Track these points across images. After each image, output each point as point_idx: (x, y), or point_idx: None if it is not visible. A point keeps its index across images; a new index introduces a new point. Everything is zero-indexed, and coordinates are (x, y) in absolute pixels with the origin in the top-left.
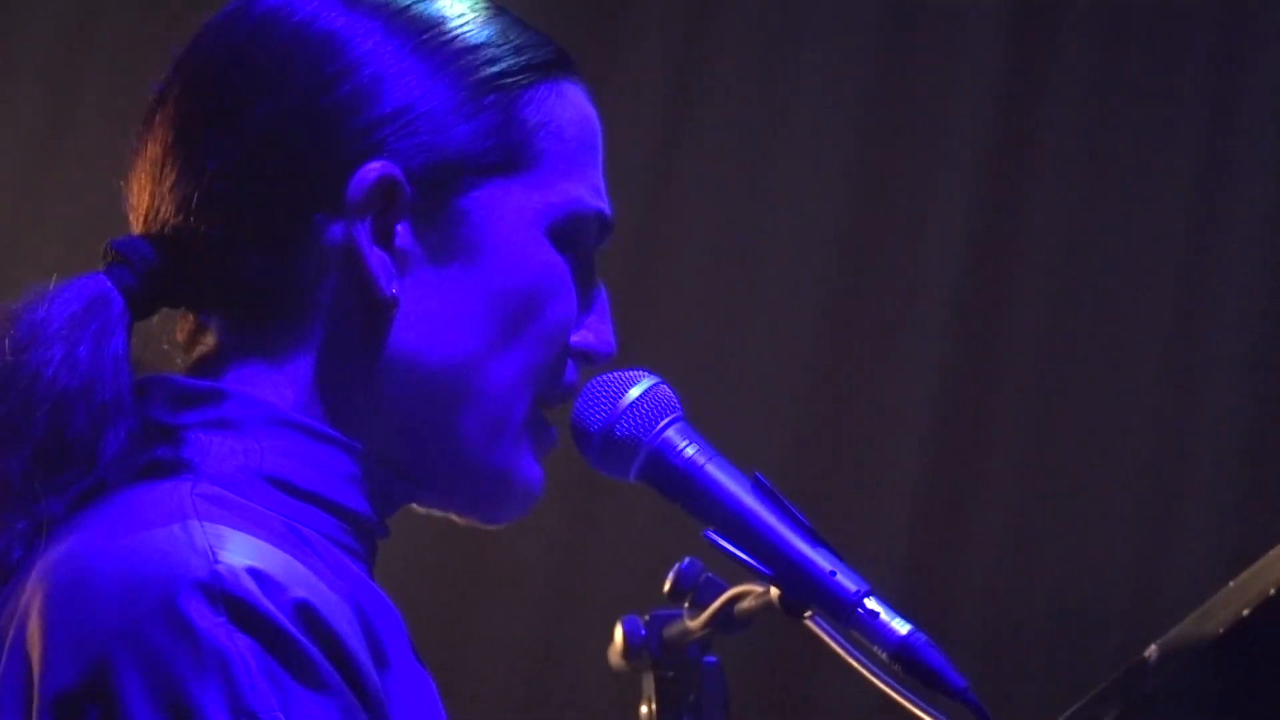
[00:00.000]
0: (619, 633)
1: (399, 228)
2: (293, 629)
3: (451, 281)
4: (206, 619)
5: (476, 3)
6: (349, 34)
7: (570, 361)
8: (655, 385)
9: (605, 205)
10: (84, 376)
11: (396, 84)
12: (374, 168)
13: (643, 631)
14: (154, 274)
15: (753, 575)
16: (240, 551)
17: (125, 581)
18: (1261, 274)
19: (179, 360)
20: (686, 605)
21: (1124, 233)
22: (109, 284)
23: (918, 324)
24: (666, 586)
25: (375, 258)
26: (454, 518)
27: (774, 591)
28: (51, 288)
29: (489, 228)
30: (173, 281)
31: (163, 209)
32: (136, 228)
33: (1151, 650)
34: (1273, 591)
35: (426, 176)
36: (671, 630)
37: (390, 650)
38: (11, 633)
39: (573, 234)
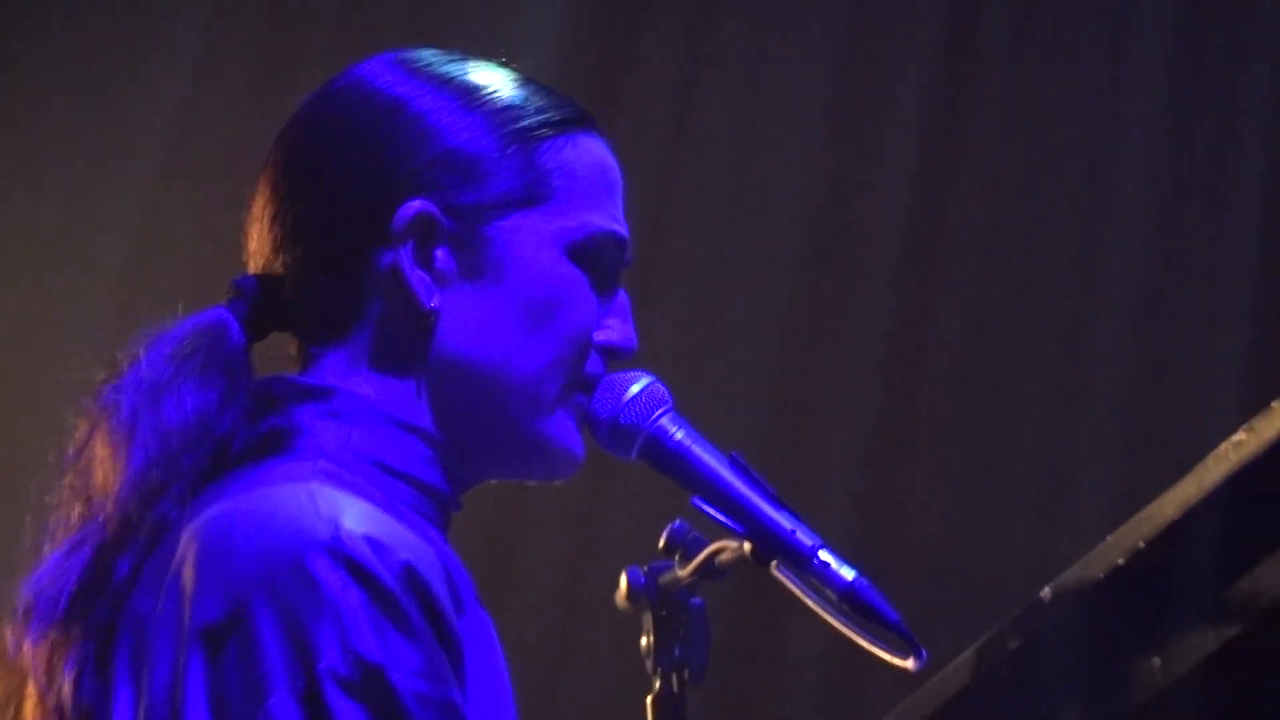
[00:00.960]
0: (623, 580)
1: (438, 252)
2: (396, 587)
3: (483, 294)
4: (329, 575)
5: (508, 72)
6: (403, 101)
7: (595, 354)
8: (652, 383)
9: (619, 227)
10: (206, 388)
11: (437, 139)
12: (413, 205)
13: (642, 579)
14: (259, 302)
15: (730, 533)
16: (357, 520)
17: (265, 542)
18: (1144, 259)
19: (290, 365)
20: (677, 558)
21: (1029, 233)
22: (228, 314)
23: (861, 323)
24: (661, 543)
25: (416, 277)
26: (526, 484)
27: (746, 546)
28: (182, 317)
29: (512, 250)
30: (271, 304)
31: (265, 250)
32: (251, 268)
33: (1046, 591)
34: (1141, 544)
35: (461, 210)
36: (665, 578)
37: (465, 599)
38: (168, 578)
39: (589, 251)
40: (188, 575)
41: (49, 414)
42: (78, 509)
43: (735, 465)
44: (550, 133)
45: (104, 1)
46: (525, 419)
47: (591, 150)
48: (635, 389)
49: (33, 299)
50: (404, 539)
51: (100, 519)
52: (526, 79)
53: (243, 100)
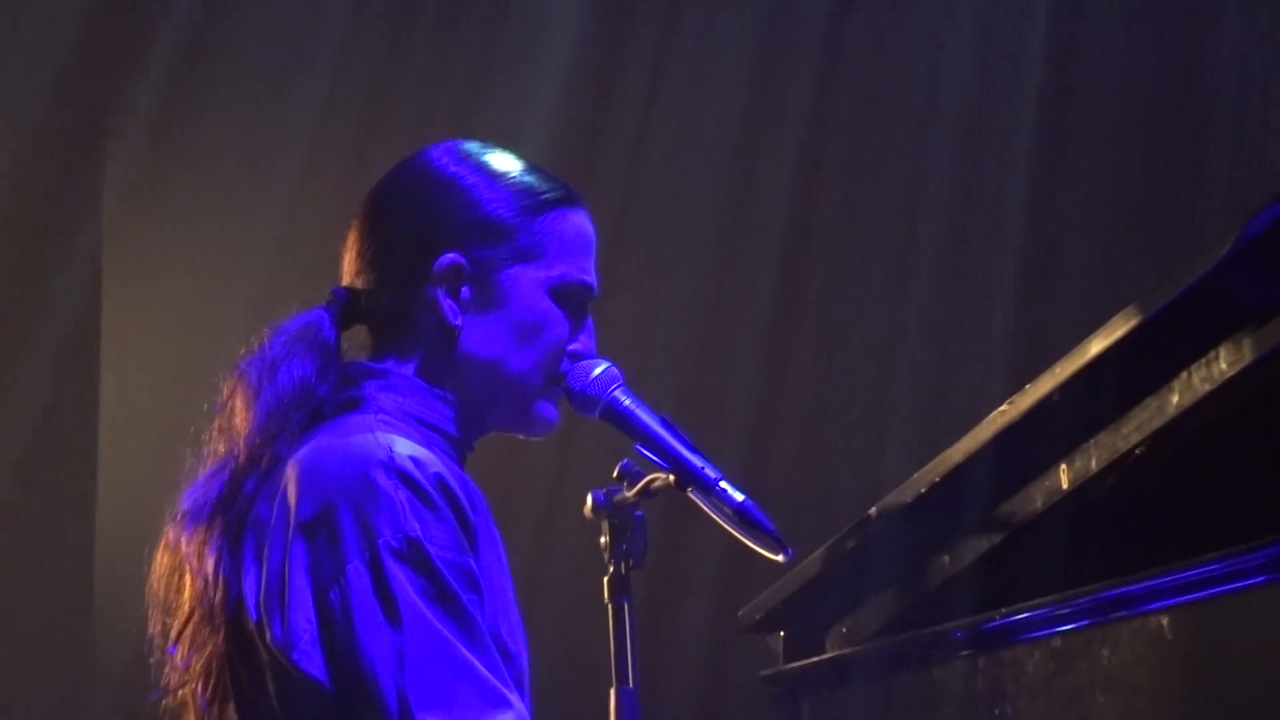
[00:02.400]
0: (589, 499)
1: (463, 289)
2: (431, 489)
3: (491, 318)
4: (385, 482)
5: (521, 161)
6: (449, 180)
7: (567, 359)
8: (609, 366)
9: (587, 278)
10: (308, 360)
11: (469, 210)
12: (448, 256)
13: (602, 498)
14: (346, 307)
15: (661, 469)
16: (404, 447)
17: (342, 464)
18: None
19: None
20: (625, 484)
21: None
22: (324, 311)
23: (747, 315)
24: (614, 474)
25: (447, 304)
26: (515, 435)
27: (671, 478)
28: (295, 312)
29: (513, 290)
30: (355, 309)
31: (351, 271)
32: (344, 282)
33: (873, 510)
34: (936, 479)
35: (481, 261)
36: (617, 498)
37: (478, 508)
38: (279, 494)
39: (563, 294)
40: (291, 491)
41: (207, 380)
42: (221, 445)
43: (665, 422)
44: (546, 208)
45: (272, 67)
46: (513, 400)
47: (573, 221)
48: (597, 371)
49: (196, 301)
50: (434, 461)
51: (235, 453)
52: (534, 166)
53: (356, 144)
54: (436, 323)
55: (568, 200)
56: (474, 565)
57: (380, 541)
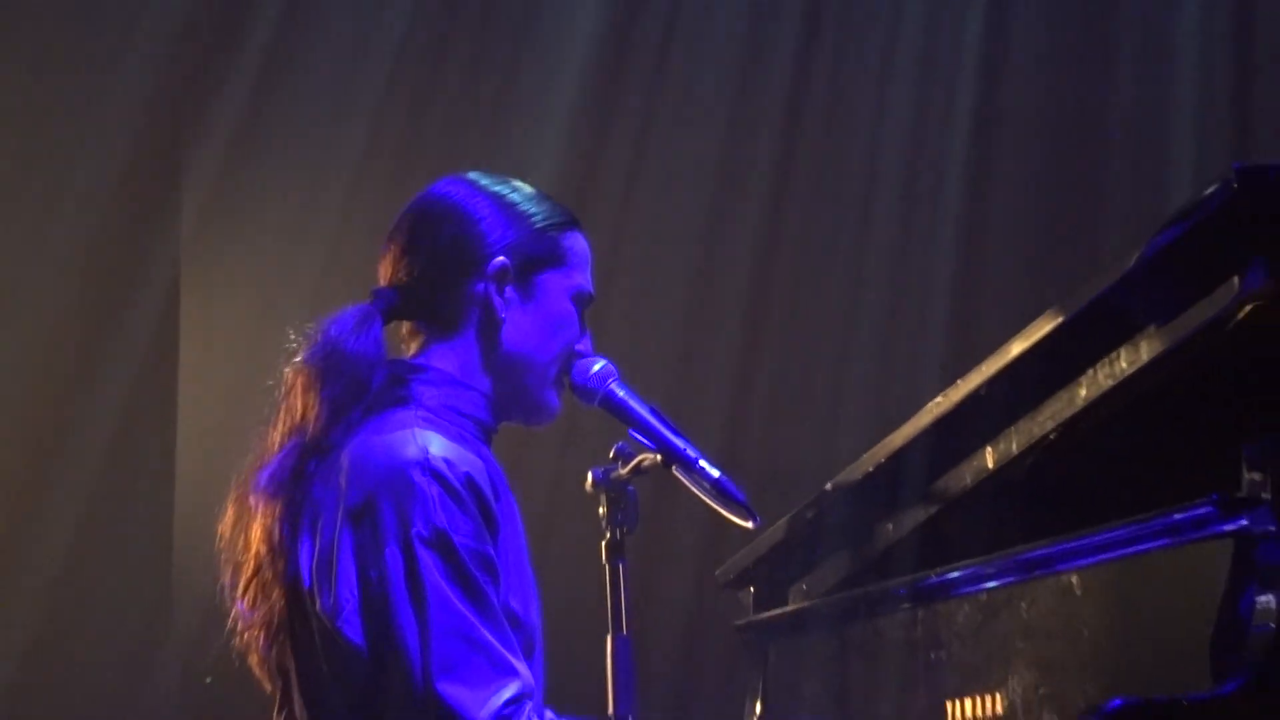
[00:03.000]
0: (589, 476)
1: (507, 288)
2: (459, 487)
3: (529, 314)
4: (420, 479)
5: (530, 190)
6: (496, 198)
7: (572, 355)
8: (606, 363)
9: (592, 289)
10: (365, 346)
11: (504, 224)
12: (499, 260)
13: (600, 475)
14: (390, 303)
15: (649, 450)
16: (439, 448)
17: (385, 460)
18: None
19: (404, 348)
20: (620, 463)
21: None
22: (371, 306)
23: (723, 308)
24: (611, 455)
25: (496, 301)
26: (522, 425)
27: (659, 458)
28: (345, 307)
29: (545, 291)
30: (399, 306)
31: (393, 274)
32: (381, 282)
33: (829, 485)
34: (882, 459)
35: (522, 264)
36: (613, 475)
37: (500, 491)
38: (333, 479)
39: (579, 299)
40: (342, 479)
41: (271, 366)
42: (287, 428)
43: (653, 410)
44: (567, 227)
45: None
46: (538, 388)
47: (578, 239)
48: (596, 367)
49: (262, 293)
50: (466, 459)
51: (303, 438)
52: (544, 194)
53: (395, 167)
54: (484, 315)
55: (574, 222)
56: (492, 553)
57: (413, 531)
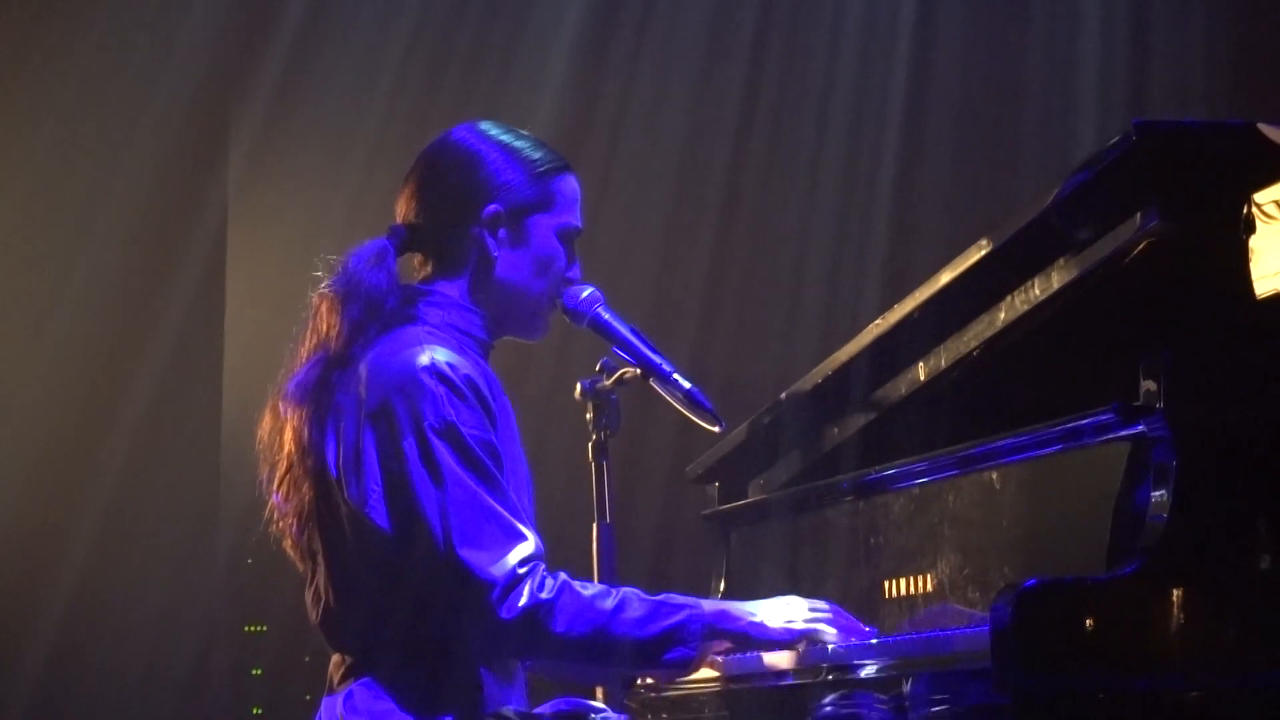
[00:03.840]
0: (578, 386)
1: (500, 230)
2: (462, 385)
3: (520, 252)
4: (429, 380)
5: (529, 139)
6: (492, 147)
7: (563, 284)
8: (594, 290)
9: (579, 223)
10: (380, 277)
11: (501, 172)
12: (493, 206)
13: (588, 384)
14: (403, 238)
15: (630, 364)
16: (444, 355)
17: (397, 367)
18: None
19: (415, 275)
20: (604, 375)
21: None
22: (387, 241)
23: (689, 248)
24: (597, 368)
25: (490, 241)
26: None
27: (638, 371)
28: (365, 241)
29: (534, 231)
30: (411, 241)
31: (407, 212)
32: (397, 219)
33: (783, 394)
34: (829, 372)
35: (513, 209)
36: (598, 385)
37: (496, 395)
38: (353, 386)
39: (565, 235)
40: (361, 387)
41: (308, 293)
42: (314, 344)
43: (634, 331)
44: (556, 172)
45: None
46: (530, 313)
47: (570, 182)
48: (585, 294)
49: (300, 233)
50: (467, 364)
51: (327, 351)
52: (541, 141)
53: (415, 118)
54: (480, 255)
55: (566, 166)
56: (495, 440)
57: (426, 424)
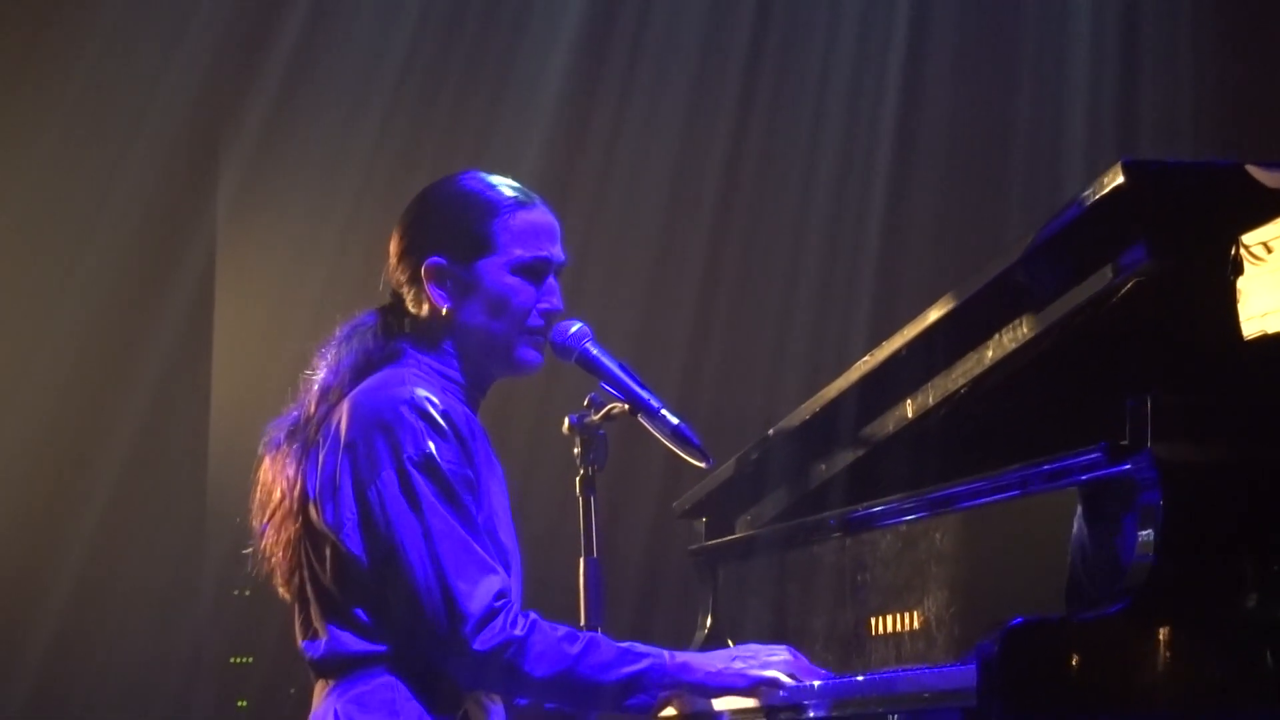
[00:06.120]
0: (566, 421)
1: (448, 281)
2: (442, 420)
3: (472, 298)
4: (409, 414)
5: (485, 180)
6: (430, 205)
7: (537, 314)
8: (582, 325)
9: (541, 254)
10: (363, 349)
11: (440, 225)
12: (434, 259)
13: (576, 420)
14: (385, 318)
15: (618, 400)
16: (425, 391)
17: (379, 400)
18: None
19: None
20: (592, 410)
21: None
22: (374, 316)
23: (671, 275)
24: (585, 403)
25: (437, 294)
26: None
27: (626, 406)
28: (357, 315)
29: (483, 274)
30: (390, 304)
31: (387, 269)
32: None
33: (771, 431)
34: (817, 409)
35: (455, 258)
36: (586, 420)
37: (476, 436)
38: (334, 422)
39: (522, 269)
40: (342, 421)
41: (303, 358)
42: (303, 392)
43: (622, 366)
44: (500, 212)
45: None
46: (501, 352)
47: (523, 217)
48: (574, 329)
49: (283, 269)
50: (448, 402)
51: (305, 404)
52: (495, 183)
53: (400, 165)
54: (433, 310)
55: (519, 203)
56: (473, 475)
57: (405, 455)
